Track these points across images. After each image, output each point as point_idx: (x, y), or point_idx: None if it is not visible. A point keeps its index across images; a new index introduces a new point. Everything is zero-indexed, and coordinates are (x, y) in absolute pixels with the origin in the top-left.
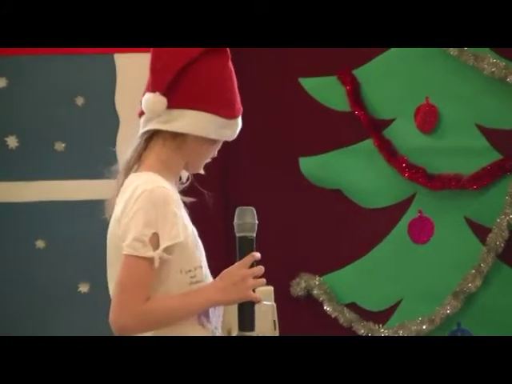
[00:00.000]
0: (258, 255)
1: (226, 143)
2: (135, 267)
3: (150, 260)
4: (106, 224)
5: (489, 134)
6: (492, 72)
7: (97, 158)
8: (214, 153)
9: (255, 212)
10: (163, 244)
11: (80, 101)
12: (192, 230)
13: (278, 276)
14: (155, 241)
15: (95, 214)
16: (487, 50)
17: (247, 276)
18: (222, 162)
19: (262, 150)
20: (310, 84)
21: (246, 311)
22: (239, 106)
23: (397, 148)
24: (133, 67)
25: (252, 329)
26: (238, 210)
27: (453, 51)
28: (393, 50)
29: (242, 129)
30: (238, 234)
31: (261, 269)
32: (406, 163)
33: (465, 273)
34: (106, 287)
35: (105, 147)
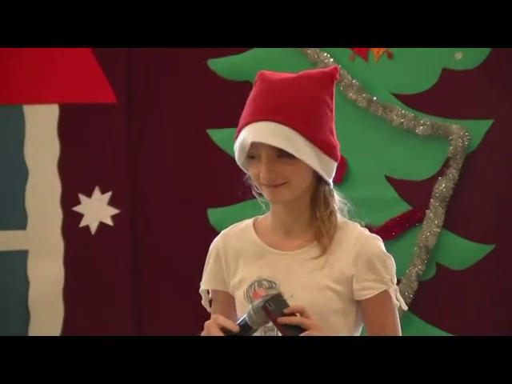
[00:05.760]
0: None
1: None
2: None
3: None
4: (16, 273)
5: (398, 185)
6: (401, 123)
7: (5, 210)
8: (258, 172)
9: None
10: None
11: None
12: (247, 286)
13: None
14: None
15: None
16: (395, 101)
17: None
18: None
19: None
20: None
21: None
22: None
23: None
24: (42, 119)
25: None
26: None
27: (361, 103)
28: None
29: None
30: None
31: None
32: None
33: None
34: None
35: (13, 199)
